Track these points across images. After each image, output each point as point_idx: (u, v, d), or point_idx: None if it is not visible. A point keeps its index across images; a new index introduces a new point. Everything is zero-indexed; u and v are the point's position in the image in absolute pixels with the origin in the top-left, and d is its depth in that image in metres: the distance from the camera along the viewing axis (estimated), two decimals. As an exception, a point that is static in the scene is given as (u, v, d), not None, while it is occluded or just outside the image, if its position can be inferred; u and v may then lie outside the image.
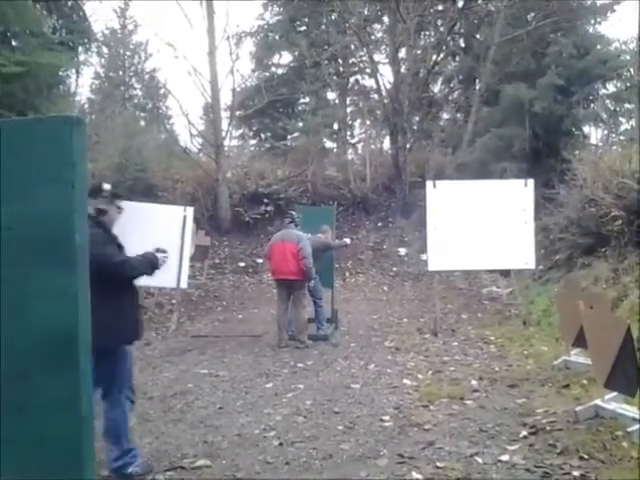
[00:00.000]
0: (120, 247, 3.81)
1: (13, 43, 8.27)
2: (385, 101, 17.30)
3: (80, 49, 11.09)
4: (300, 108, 21.92)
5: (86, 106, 19.23)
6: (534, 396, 5.05)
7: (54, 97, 8.85)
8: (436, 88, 20.92)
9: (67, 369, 2.32)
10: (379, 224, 15.61)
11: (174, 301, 9.56)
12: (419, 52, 18.54)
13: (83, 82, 24.28)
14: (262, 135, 21.80)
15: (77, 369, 2.32)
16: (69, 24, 10.25)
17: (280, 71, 21.77)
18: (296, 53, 21.09)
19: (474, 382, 5.61)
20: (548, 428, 4.24)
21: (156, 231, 8.21)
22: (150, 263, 3.85)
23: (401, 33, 17.33)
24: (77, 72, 13.66)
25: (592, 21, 15.71)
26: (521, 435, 4.19)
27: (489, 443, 4.10)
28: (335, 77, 20.64)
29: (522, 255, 8.13)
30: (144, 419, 4.75)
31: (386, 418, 4.69)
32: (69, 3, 10.74)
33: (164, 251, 3.98)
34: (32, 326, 2.36)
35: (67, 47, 9.32)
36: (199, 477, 3.72)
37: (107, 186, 3.79)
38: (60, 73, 8.94)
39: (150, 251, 3.92)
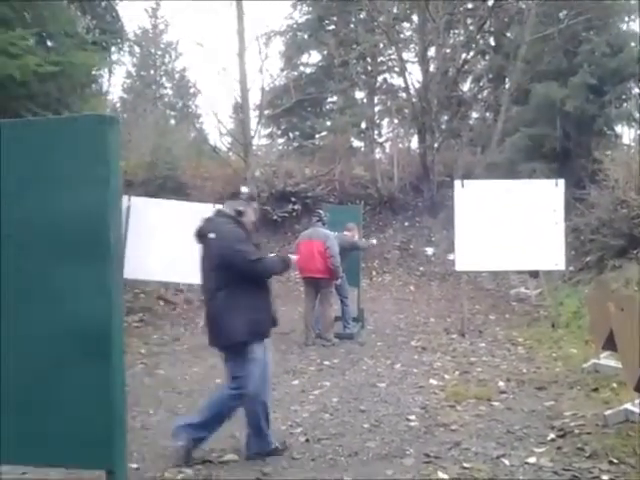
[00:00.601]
0: (257, 246, 3.97)
1: (48, 43, 8.42)
2: (413, 100, 17.21)
3: (113, 49, 11.26)
4: (328, 107, 21.95)
5: (118, 105, 19.57)
6: (562, 399, 5.00)
7: (87, 96, 9.02)
8: (465, 87, 20.74)
9: (100, 362, 2.37)
10: (406, 223, 15.55)
11: (202, 298, 9.64)
12: (448, 51, 18.39)
13: (115, 81, 24.67)
14: (290, 134, 21.88)
15: (110, 362, 2.38)
16: (102, 24, 10.43)
17: (308, 70, 21.82)
18: (325, 52, 21.11)
19: (501, 383, 5.57)
20: (577, 431, 4.19)
21: (186, 228, 8.30)
22: (283, 263, 4.04)
23: (430, 32, 17.21)
24: (109, 71, 13.88)
25: (625, 19, 15.39)
26: (549, 438, 4.15)
27: (516, 445, 4.07)
28: (363, 76, 20.61)
29: (552, 256, 8.03)
30: (173, 413, 4.83)
31: (412, 418, 4.69)
32: (102, 4, 10.92)
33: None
34: (67, 320, 2.43)
35: (100, 47, 9.48)
36: (227, 471, 3.77)
37: (245, 189, 4.12)
38: (93, 72, 9.11)
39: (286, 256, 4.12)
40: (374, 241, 9.87)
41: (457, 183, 8.34)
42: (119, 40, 10.90)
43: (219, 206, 9.29)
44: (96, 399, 2.39)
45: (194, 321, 9.10)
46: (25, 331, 2.45)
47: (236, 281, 3.71)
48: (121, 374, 2.44)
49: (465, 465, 3.73)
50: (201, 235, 3.90)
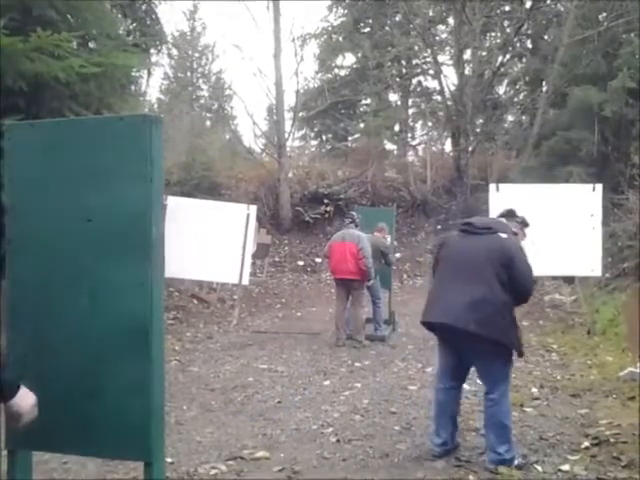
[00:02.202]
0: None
1: (90, 45, 8.62)
2: (448, 103, 17.12)
3: (152, 51, 11.47)
4: (362, 109, 21.95)
5: (155, 106, 19.90)
6: (597, 407, 4.92)
7: (127, 96, 9.18)
8: (501, 90, 20.54)
9: (140, 357, 2.42)
10: (439, 227, 15.45)
11: (235, 297, 9.76)
12: (484, 53, 18.24)
13: (153, 82, 25.16)
14: (323, 136, 21.95)
15: (150, 357, 2.43)
16: (142, 27, 10.64)
17: (343, 72, 21.86)
18: (359, 55, 21.13)
19: (534, 390, 5.51)
20: (612, 440, 4.12)
21: (220, 227, 8.44)
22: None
23: (466, 34, 17.10)
24: (148, 73, 14.14)
25: (669, 21, 15.02)
26: (583, 446, 4.09)
27: (549, 452, 4.02)
28: (397, 79, 20.56)
29: (588, 262, 7.89)
30: (206, 409, 4.91)
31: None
32: (143, 7, 11.14)
33: None
34: (109, 315, 2.49)
35: (140, 49, 9.66)
36: (258, 468, 3.81)
37: (519, 213, 4.24)
38: (133, 74, 9.29)
39: None
40: (398, 255, 9.81)
41: (492, 187, 8.27)
42: (158, 42, 11.09)
43: (253, 207, 9.30)
44: (136, 393, 2.44)
45: (226, 319, 9.20)
46: (70, 325, 2.52)
47: (510, 292, 3.73)
48: (161, 369, 2.49)
49: (497, 470, 3.70)
50: (483, 227, 3.92)
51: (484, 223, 4.01)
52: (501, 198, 8.06)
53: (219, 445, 4.18)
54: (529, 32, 19.50)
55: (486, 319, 3.61)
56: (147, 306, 2.47)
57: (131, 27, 10.80)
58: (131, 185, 2.52)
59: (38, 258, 2.66)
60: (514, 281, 3.70)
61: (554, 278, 10.62)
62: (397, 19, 20.82)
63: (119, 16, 10.32)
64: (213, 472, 3.74)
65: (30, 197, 2.67)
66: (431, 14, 19.69)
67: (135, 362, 2.44)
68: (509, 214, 4.16)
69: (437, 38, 20.61)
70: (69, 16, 7.98)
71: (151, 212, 2.50)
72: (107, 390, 2.45)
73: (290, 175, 15.49)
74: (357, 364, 6.59)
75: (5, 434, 2.51)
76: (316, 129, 21.73)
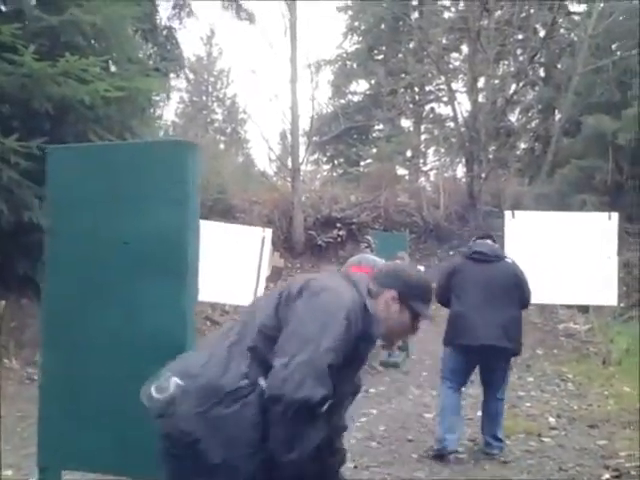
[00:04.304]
0: None
1: (112, 69, 8.79)
2: (462, 129, 17.23)
3: (171, 75, 11.68)
4: (374, 135, 22.13)
5: (170, 129, 20.18)
6: (616, 438, 4.88)
7: (147, 120, 9.35)
8: (514, 117, 20.66)
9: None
10: (451, 252, 15.43)
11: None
12: (497, 81, 18.40)
13: (168, 106, 25.51)
14: (336, 161, 22.11)
15: (182, 377, 2.47)
16: (163, 51, 10.85)
17: (356, 99, 22.10)
18: (372, 81, 21.37)
19: (552, 419, 5.48)
20: (633, 473, 4.09)
21: (235, 250, 8.49)
22: None
23: (480, 62, 17.28)
24: (167, 97, 14.37)
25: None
26: (603, 478, 4.06)
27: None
28: (411, 105, 20.76)
29: (603, 291, 7.86)
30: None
31: (461, 450, 4.64)
32: (164, 32, 11.37)
33: None
34: (143, 333, 2.54)
35: (161, 73, 9.85)
36: None
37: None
38: (154, 97, 9.46)
39: None
40: (422, 268, 9.77)
41: (508, 213, 8.30)
42: (178, 67, 11.30)
43: (269, 230, 9.34)
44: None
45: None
46: (105, 344, 2.56)
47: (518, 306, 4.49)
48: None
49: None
50: (493, 255, 4.52)
51: (492, 251, 4.58)
52: (516, 225, 8.09)
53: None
54: (542, 60, 19.67)
55: (514, 335, 4.37)
56: (181, 325, 2.52)
57: (152, 51, 11.01)
58: (167, 208, 2.58)
59: (73, 278, 2.72)
60: (523, 300, 4.50)
61: (568, 307, 10.56)
62: (411, 46, 21.09)
63: (140, 41, 10.54)
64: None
65: (68, 218, 2.74)
66: (445, 42, 19.93)
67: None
68: (490, 237, 4.83)
69: (451, 66, 20.82)
70: (93, 41, 8.19)
71: (186, 235, 2.57)
72: (142, 409, 2.49)
73: (303, 199, 15.58)
74: (372, 390, 6.57)
75: (38, 451, 2.54)
76: (329, 154, 21.91)
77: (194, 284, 2.62)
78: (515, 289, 4.43)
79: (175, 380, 1.73)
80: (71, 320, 2.73)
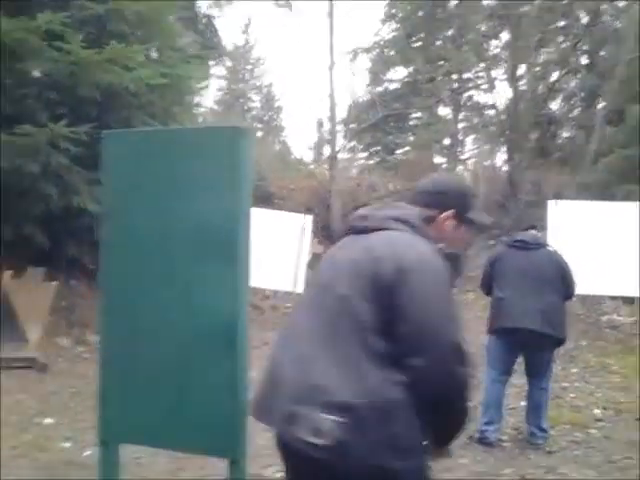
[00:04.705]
0: None
1: (154, 57, 8.89)
2: (502, 117, 16.95)
3: (211, 63, 11.77)
4: (412, 123, 21.93)
5: (209, 117, 20.32)
6: (665, 431, 4.78)
7: (187, 107, 9.46)
8: (555, 105, 20.22)
9: (226, 356, 2.50)
10: (490, 242, 15.24)
11: (288, 304, 9.85)
12: (539, 69, 18.02)
13: (207, 93, 25.70)
14: (373, 149, 22.00)
15: (235, 356, 2.51)
16: (203, 39, 10.93)
17: (393, 86, 21.90)
18: (410, 69, 21.14)
19: (597, 411, 5.39)
20: (684, 465, 4.00)
21: (277, 236, 8.56)
22: None
23: (521, 49, 16.94)
24: (207, 84, 14.49)
25: None
26: (650, 471, 3.99)
27: (618, 475, 3.93)
28: (450, 92, 20.48)
29: (650, 282, 7.67)
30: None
31: (505, 438, 4.61)
32: (203, 20, 11.44)
33: None
34: (197, 315, 2.58)
35: (201, 61, 9.93)
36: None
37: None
38: (195, 85, 9.55)
39: None
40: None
41: (551, 203, 8.15)
42: (217, 55, 11.38)
43: (309, 217, 9.40)
44: (223, 390, 2.51)
45: (280, 326, 9.26)
46: (161, 324, 2.61)
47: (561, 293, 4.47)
48: (245, 368, 2.56)
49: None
50: (534, 243, 4.56)
51: (534, 239, 4.62)
52: (560, 215, 7.95)
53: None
54: (585, 48, 19.17)
55: (556, 323, 4.33)
56: (235, 307, 2.55)
57: (192, 39, 11.09)
58: (221, 193, 2.61)
59: (128, 261, 2.77)
60: (568, 290, 4.49)
61: (613, 298, 10.34)
62: (449, 33, 20.78)
63: (181, 29, 10.62)
64: (279, 475, 3.79)
65: (123, 203, 2.79)
66: (484, 29, 19.58)
67: (222, 360, 2.51)
68: (534, 227, 4.92)
69: (490, 53, 20.46)
70: (137, 29, 8.29)
71: (239, 219, 2.59)
72: (195, 386, 2.54)
73: (341, 187, 15.57)
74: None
75: (98, 426, 2.61)
76: (366, 142, 21.80)
77: (247, 268, 2.65)
78: (558, 278, 4.42)
79: (329, 418, 1.50)
80: (127, 301, 2.78)
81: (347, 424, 1.48)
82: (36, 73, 6.66)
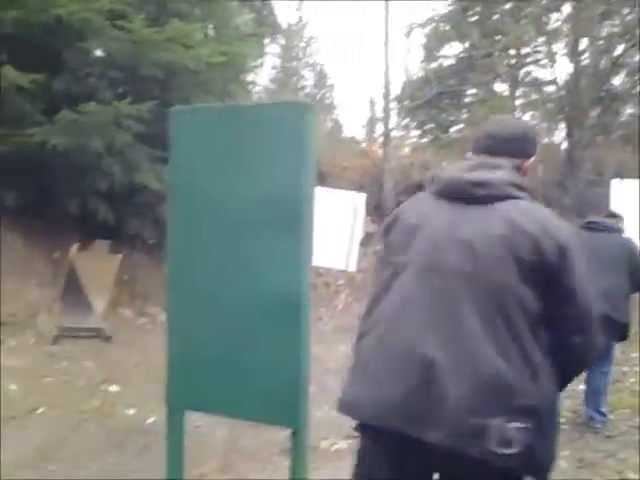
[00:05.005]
0: None
1: (212, 35, 8.97)
2: (562, 93, 16.39)
3: (265, 41, 11.79)
4: (467, 100, 21.42)
5: (263, 95, 20.40)
6: None
7: (243, 84, 9.53)
8: (618, 81, 19.37)
9: (290, 328, 2.56)
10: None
11: (340, 282, 9.93)
12: (602, 43, 17.28)
13: (261, 71, 25.77)
14: (426, 126, 21.64)
15: (298, 329, 2.56)
16: (259, 17, 10.95)
17: (449, 62, 21.40)
18: (466, 44, 20.60)
19: (658, 396, 5.24)
20: None
21: (329, 214, 8.58)
22: None
23: (583, 22, 16.26)
24: (262, 62, 14.53)
25: None
26: None
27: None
28: (507, 68, 19.88)
29: None
30: (322, 388, 5.05)
31: (563, 421, 4.54)
32: (261, -3, 11.44)
33: None
34: (262, 289, 2.64)
35: (257, 38, 9.96)
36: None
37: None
38: (250, 63, 9.60)
39: None
40: None
41: (615, 181, 7.89)
42: (272, 32, 11.38)
43: (362, 195, 9.30)
44: (285, 362, 2.57)
45: (332, 304, 9.37)
46: (229, 296, 2.69)
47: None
48: (307, 341, 2.61)
49: (630, 476, 3.57)
50: (603, 226, 4.57)
51: (605, 222, 4.60)
52: (624, 194, 7.68)
53: (336, 423, 4.29)
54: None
55: (618, 305, 4.26)
56: (298, 281, 2.60)
57: (248, 17, 11.12)
58: (286, 168, 2.64)
59: (195, 234, 2.85)
60: (635, 274, 4.41)
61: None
62: (507, 7, 20.09)
63: (237, 6, 10.66)
64: (334, 447, 3.87)
65: (191, 178, 2.87)
66: (544, 1, 18.85)
67: (286, 332, 2.57)
68: (613, 215, 4.83)
69: (550, 27, 19.71)
70: (195, 8, 8.38)
71: (303, 194, 2.62)
72: (259, 357, 2.60)
73: (393, 165, 15.43)
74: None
75: (166, 393, 2.73)
76: (420, 119, 21.46)
77: (310, 243, 2.68)
78: (625, 264, 4.39)
79: (516, 425, 1.44)
80: (193, 274, 2.86)
81: (531, 428, 1.43)
82: (99, 52, 6.83)
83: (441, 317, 1.47)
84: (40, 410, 4.21)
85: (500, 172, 1.59)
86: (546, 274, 1.48)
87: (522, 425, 1.42)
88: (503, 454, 1.40)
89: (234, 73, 8.68)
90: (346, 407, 1.70)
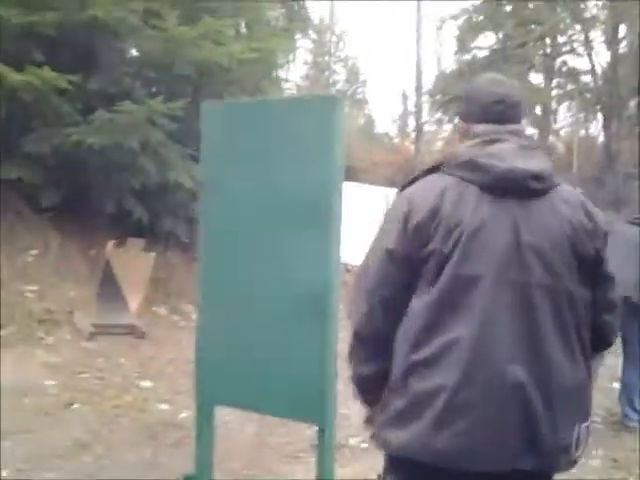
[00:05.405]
0: None
1: (244, 31, 8.99)
2: (599, 83, 16.01)
3: (297, 36, 11.79)
4: (500, 92, 21.08)
5: (295, 90, 20.42)
6: None
7: (275, 80, 9.55)
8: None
9: (318, 325, 2.55)
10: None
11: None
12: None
13: (294, 67, 25.79)
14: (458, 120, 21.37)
15: (327, 326, 2.55)
16: (291, 13, 10.95)
17: (482, 54, 21.07)
18: (500, 35, 20.24)
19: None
20: None
21: (361, 210, 8.57)
22: None
23: (622, 8, 15.83)
24: (293, 57, 14.54)
25: None
26: None
27: None
28: (542, 58, 19.50)
29: None
30: (349, 385, 5.03)
31: (596, 419, 4.45)
32: (293, -8, 11.43)
33: None
34: (291, 285, 2.64)
35: (288, 33, 9.97)
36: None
37: None
38: (282, 58, 9.61)
39: None
40: None
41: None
42: (304, 27, 11.38)
43: (394, 190, 9.35)
44: (314, 359, 2.57)
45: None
46: (258, 291, 2.70)
47: None
48: (335, 337, 2.60)
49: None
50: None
51: None
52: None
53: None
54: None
55: None
56: (327, 278, 2.59)
57: (279, 12, 11.12)
58: (315, 162, 2.62)
59: (226, 230, 2.87)
60: None
61: None
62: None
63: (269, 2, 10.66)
64: (363, 445, 3.85)
65: (221, 173, 2.88)
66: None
67: (314, 330, 2.56)
68: None
69: (587, 13, 19.24)
70: (226, 3, 8.40)
71: (332, 188, 2.61)
72: (288, 354, 2.61)
73: (426, 159, 15.31)
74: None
75: (195, 389, 2.76)
76: (452, 113, 21.20)
77: (338, 237, 2.67)
78: None
79: (583, 426, 1.46)
80: (224, 269, 2.87)
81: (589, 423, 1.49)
82: (133, 52, 6.92)
83: (525, 336, 1.38)
84: (76, 405, 4.30)
85: (541, 156, 1.50)
86: (596, 263, 1.49)
87: (588, 423, 1.47)
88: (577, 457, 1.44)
89: (266, 69, 8.69)
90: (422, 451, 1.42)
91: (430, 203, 1.43)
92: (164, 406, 4.27)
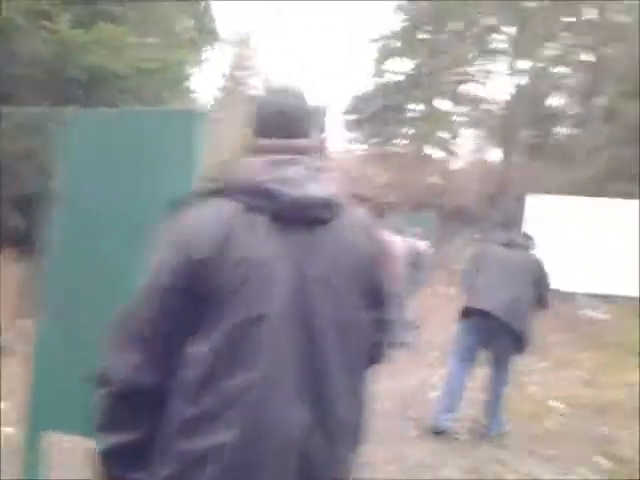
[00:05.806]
0: None
1: (148, 40, 8.88)
2: (499, 112, 16.97)
3: (206, 48, 11.77)
4: (410, 115, 21.86)
5: (211, 102, 20.24)
6: (620, 426, 4.87)
7: (181, 92, 9.48)
8: (554, 101, 20.17)
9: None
10: (476, 236, 15.29)
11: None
12: (540, 64, 17.98)
13: (208, 80, 25.67)
14: (370, 140, 21.95)
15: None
16: (199, 24, 10.93)
17: (397, 78, 21.76)
18: (414, 61, 21.03)
19: (558, 405, 5.47)
20: (634, 460, 4.09)
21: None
22: None
23: (524, 44, 16.91)
24: (200, 69, 14.45)
25: None
26: (602, 465, 4.09)
27: (574, 469, 4.04)
28: (448, 85, 20.43)
29: (626, 281, 7.76)
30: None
31: (462, 430, 4.69)
32: (202, 4, 11.43)
33: None
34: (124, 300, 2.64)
35: (195, 46, 9.94)
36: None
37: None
38: (187, 70, 9.56)
39: None
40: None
41: (530, 197, 8.22)
42: (212, 40, 11.38)
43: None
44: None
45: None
46: (97, 307, 2.57)
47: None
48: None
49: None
50: (518, 244, 4.80)
51: (516, 240, 4.84)
52: (538, 209, 8.01)
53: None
54: (589, 44, 19.07)
55: (520, 317, 4.44)
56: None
57: (188, 24, 11.08)
58: (173, 174, 2.62)
59: (75, 245, 2.78)
60: (539, 292, 4.58)
61: (588, 295, 10.41)
62: (456, 27, 20.62)
63: (176, 13, 10.60)
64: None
65: (77, 185, 2.83)
66: (491, 23, 19.47)
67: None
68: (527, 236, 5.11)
69: (491, 46, 20.36)
70: (129, 11, 8.29)
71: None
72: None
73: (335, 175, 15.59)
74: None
75: (26, 412, 2.67)
76: (364, 132, 21.77)
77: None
78: (531, 281, 4.56)
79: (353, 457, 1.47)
80: (67, 288, 2.78)
81: None
82: (23, 53, 6.70)
83: (310, 375, 1.28)
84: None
85: (328, 179, 1.39)
86: (379, 286, 1.47)
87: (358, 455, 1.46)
88: None
89: (168, 80, 8.62)
90: None
91: (215, 233, 1.25)
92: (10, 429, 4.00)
